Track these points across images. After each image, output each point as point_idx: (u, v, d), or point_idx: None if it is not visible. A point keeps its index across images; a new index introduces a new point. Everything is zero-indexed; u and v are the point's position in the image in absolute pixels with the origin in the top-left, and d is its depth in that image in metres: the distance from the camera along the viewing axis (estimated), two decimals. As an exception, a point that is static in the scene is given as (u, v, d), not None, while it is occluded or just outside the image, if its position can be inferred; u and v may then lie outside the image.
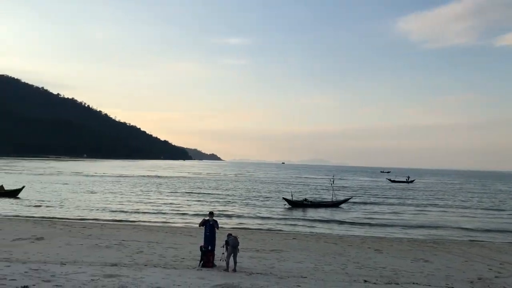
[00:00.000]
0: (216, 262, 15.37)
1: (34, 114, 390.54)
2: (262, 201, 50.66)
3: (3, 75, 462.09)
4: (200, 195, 56.29)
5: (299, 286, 13.34)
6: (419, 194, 73.23)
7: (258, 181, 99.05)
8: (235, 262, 14.81)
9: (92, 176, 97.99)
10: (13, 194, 46.51)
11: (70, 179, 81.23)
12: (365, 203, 51.67)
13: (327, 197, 55.32)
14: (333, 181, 56.08)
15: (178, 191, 62.20)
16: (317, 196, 59.49)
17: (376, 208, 46.53)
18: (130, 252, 18.03)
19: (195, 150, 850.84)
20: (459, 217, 41.84)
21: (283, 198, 48.54)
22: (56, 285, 11.51)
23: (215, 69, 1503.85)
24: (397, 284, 14.48)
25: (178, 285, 12.36)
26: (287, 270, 15.69)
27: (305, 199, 47.20)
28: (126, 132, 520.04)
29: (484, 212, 47.52)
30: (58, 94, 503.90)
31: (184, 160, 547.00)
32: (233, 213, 38.63)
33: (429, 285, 14.53)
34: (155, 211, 38.15)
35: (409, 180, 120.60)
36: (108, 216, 34.59)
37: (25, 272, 12.93)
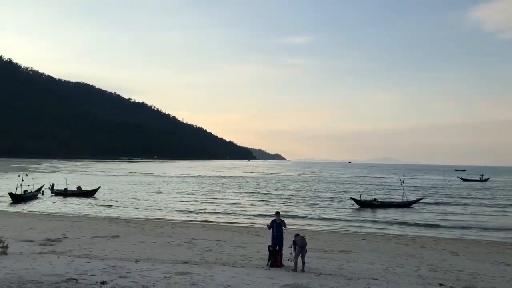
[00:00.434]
0: (284, 262, 15.29)
1: (107, 118, 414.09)
2: (328, 201, 49.90)
3: (79, 82, 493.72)
4: (264, 195, 56.54)
5: (371, 288, 12.94)
6: (497, 193, 68.70)
7: (324, 181, 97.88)
8: (303, 263, 14.65)
9: (161, 176, 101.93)
10: (90, 194, 49.46)
11: (140, 180, 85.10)
12: (437, 203, 49.34)
13: (397, 197, 53.44)
14: (403, 181, 53.98)
15: (242, 191, 62.98)
16: (386, 196, 57.69)
17: (449, 209, 44.26)
18: (200, 250, 18.43)
19: (259, 150, 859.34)
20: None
21: (351, 198, 47.53)
22: (132, 281, 11.97)
23: (279, 69, 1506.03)
24: (477, 289, 13.62)
25: (247, 284, 12.40)
26: (357, 271, 15.28)
27: (374, 199, 45.95)
28: (193, 134, 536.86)
29: None
30: (129, 98, 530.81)
31: (248, 160, 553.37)
32: (298, 213, 38.34)
33: (514, 292, 13.53)
34: (221, 211, 38.85)
35: (483, 178, 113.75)
36: (177, 215, 35.76)
37: (103, 268, 13.58)
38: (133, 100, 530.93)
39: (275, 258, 15.30)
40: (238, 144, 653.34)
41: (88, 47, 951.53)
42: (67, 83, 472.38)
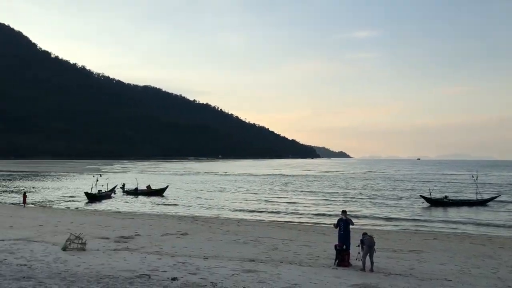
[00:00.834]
0: (352, 262, 15.03)
1: (174, 119, 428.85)
2: (395, 200, 48.37)
3: (147, 86, 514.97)
4: (329, 194, 55.77)
5: (445, 290, 12.37)
6: None
7: (391, 179, 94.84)
8: (371, 262, 14.31)
9: (225, 175, 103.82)
10: (159, 193, 51.37)
11: (205, 178, 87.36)
12: (515, 202, 46.25)
13: (470, 195, 50.67)
14: (477, 177, 51.04)
15: (306, 189, 62.57)
16: (458, 194, 54.91)
17: (529, 207, 41.32)
18: (265, 248, 18.55)
19: (323, 148, 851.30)
20: None
21: (421, 196, 45.74)
22: (201, 278, 12.29)
23: (341, 65, 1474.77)
24: None
25: (315, 283, 12.31)
26: (428, 272, 14.68)
27: (446, 197, 43.91)
28: (256, 133, 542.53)
29: None
30: (194, 100, 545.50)
31: (312, 158, 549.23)
32: (364, 212, 37.47)
33: None
34: (285, 210, 38.82)
35: None
36: (241, 213, 36.24)
37: (174, 264, 14.07)
38: (197, 102, 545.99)
39: (342, 258, 15.08)
40: (301, 142, 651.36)
41: (154, 52, 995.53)
42: (136, 87, 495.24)
